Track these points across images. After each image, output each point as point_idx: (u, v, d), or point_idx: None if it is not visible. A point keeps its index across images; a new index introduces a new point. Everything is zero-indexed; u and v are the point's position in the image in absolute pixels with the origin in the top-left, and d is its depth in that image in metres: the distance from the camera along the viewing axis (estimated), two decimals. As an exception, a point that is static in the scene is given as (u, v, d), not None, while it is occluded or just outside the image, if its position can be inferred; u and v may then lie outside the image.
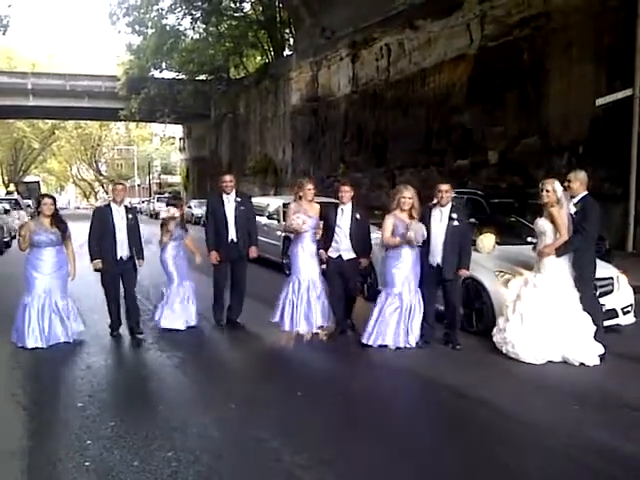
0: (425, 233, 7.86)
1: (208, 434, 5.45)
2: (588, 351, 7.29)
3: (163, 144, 77.12)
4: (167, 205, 9.42)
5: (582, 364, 7.23)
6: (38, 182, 62.07)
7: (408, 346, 8.02)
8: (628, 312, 8.71)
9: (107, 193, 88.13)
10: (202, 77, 44.31)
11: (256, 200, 16.99)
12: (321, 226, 8.77)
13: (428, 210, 8.13)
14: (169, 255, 9.01)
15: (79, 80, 48.85)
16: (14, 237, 19.65)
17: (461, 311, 8.59)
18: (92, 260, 8.48)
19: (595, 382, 6.84)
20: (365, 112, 28.16)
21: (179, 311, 8.97)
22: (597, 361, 7.28)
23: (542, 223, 7.62)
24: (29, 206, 41.34)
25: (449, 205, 8.03)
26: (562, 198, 7.51)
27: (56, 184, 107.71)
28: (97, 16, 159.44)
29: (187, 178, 55.12)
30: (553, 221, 7.46)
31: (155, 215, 43.18)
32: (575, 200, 7.65)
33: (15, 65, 61.17)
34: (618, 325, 8.60)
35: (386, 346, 8.00)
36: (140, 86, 42.95)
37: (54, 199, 8.50)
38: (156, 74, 45.82)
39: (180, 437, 5.35)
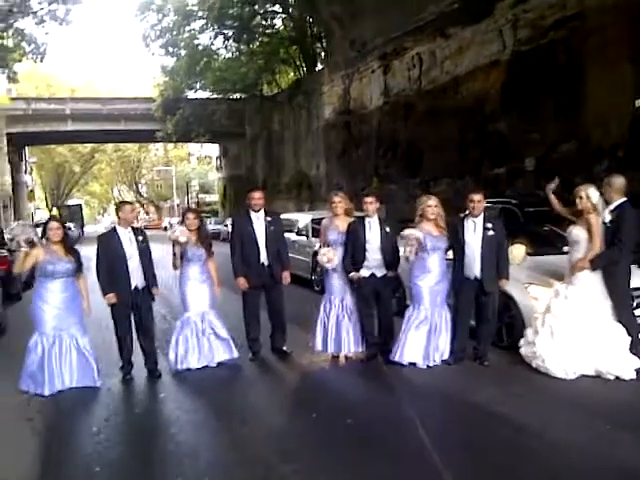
0: (419, 235, 7.53)
1: (216, 460, 5.28)
2: (623, 364, 6.87)
3: (200, 164, 77.60)
4: (182, 217, 8.26)
5: (617, 378, 6.80)
6: (80, 205, 62.85)
7: (436, 363, 7.65)
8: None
9: (147, 214, 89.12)
10: (236, 96, 44.29)
11: (285, 216, 16.71)
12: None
13: (460, 221, 7.72)
14: (187, 279, 7.99)
15: (115, 103, 49.49)
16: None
17: (491, 324, 8.21)
18: (104, 294, 7.55)
19: (630, 398, 6.43)
20: (398, 123, 27.73)
21: (195, 346, 7.90)
22: (633, 375, 6.84)
23: (577, 232, 7.20)
24: (70, 229, 41.90)
25: (482, 215, 7.64)
26: (599, 205, 7.06)
27: (99, 206, 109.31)
28: (132, 39, 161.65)
29: (224, 196, 55.17)
30: (589, 229, 7.00)
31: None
32: (611, 207, 7.17)
33: (54, 92, 62.15)
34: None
35: (415, 364, 7.62)
36: (175, 107, 43.09)
37: (62, 223, 7.65)
38: (190, 94, 45.97)
39: (190, 463, 5.16)
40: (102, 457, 5.41)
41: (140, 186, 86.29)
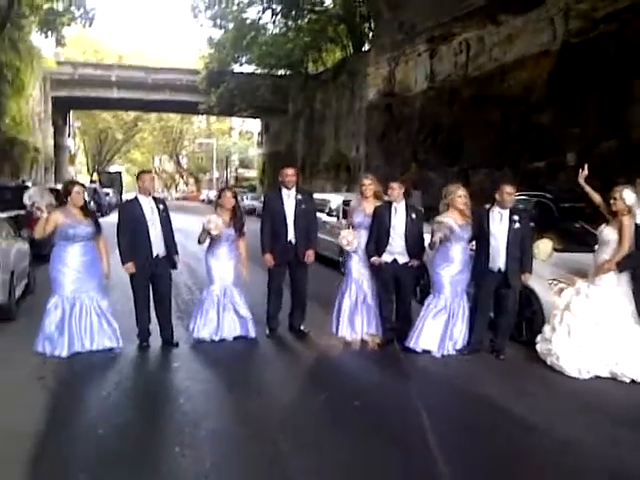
0: (454, 225, 7.42)
1: (219, 431, 5.29)
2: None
3: (241, 138, 77.72)
4: (219, 195, 8.20)
5: (633, 381, 6.65)
6: (120, 173, 63.23)
7: (452, 353, 7.56)
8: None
9: (186, 185, 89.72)
10: (280, 72, 44.17)
11: (318, 196, 16.64)
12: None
13: (486, 212, 7.59)
14: (213, 255, 7.99)
15: (161, 73, 49.88)
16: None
17: (511, 318, 8.09)
18: (124, 263, 7.51)
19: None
20: (441, 109, 27.40)
21: (214, 320, 7.89)
22: (651, 379, 6.64)
23: (607, 232, 7.05)
24: (108, 194, 42.33)
25: (508, 207, 7.52)
26: (634, 207, 6.89)
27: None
28: (181, 9, 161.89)
29: (263, 172, 55.27)
30: (620, 231, 6.83)
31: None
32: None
33: (102, 58, 62.68)
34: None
35: (429, 352, 7.55)
36: (220, 80, 43.15)
37: (85, 187, 7.69)
38: (235, 68, 46.03)
39: (192, 432, 5.22)
40: (107, 420, 5.47)
41: (181, 157, 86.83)
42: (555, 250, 8.39)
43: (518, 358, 7.52)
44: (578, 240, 9.33)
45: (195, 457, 4.70)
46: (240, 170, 74.80)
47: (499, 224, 7.48)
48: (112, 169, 70.67)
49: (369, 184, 8.21)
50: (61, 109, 49.06)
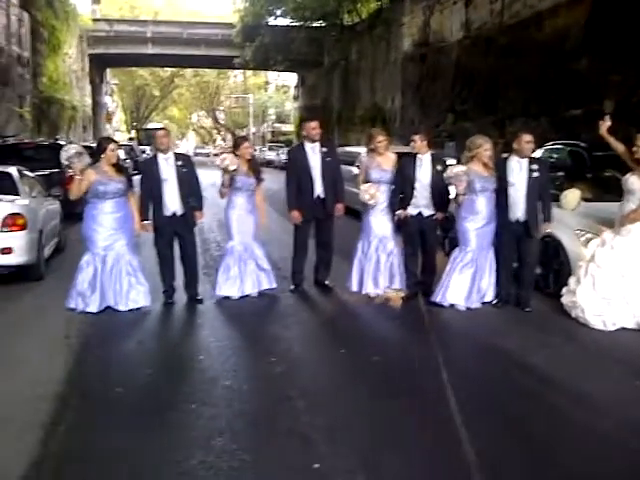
0: (464, 169, 7.35)
1: (236, 388, 5.31)
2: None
3: (277, 92, 77.21)
4: (236, 145, 8.09)
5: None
6: (165, 127, 63.28)
7: (477, 305, 7.50)
8: None
9: (224, 141, 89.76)
10: (315, 24, 43.56)
11: (348, 149, 16.53)
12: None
13: (503, 162, 7.48)
14: (233, 208, 7.92)
15: (196, 28, 49.61)
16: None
17: (538, 270, 8.02)
18: (142, 220, 7.60)
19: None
20: (477, 58, 26.86)
21: (237, 276, 7.86)
22: (677, 330, 6.53)
23: (633, 180, 6.88)
24: (144, 152, 42.64)
25: (527, 156, 7.40)
26: None
27: (177, 131, 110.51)
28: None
29: (300, 126, 54.99)
30: None
31: (266, 164, 43.55)
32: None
33: (138, 14, 62.51)
34: None
35: (454, 305, 7.50)
36: (254, 33, 42.70)
37: (119, 145, 7.67)
38: (270, 21, 45.51)
39: (209, 389, 5.28)
40: (127, 378, 5.59)
41: (218, 113, 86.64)
42: (584, 200, 8.26)
43: (544, 310, 7.43)
44: (608, 189, 9.13)
45: (211, 414, 4.74)
46: (277, 125, 74.53)
47: (518, 173, 7.36)
48: (150, 126, 70.92)
49: (384, 139, 8.11)
50: (98, 67, 49.27)
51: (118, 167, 7.60)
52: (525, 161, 7.38)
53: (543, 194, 7.39)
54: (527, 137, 7.37)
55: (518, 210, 7.34)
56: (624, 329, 6.66)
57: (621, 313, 6.68)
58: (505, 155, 7.57)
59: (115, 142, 7.85)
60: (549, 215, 7.40)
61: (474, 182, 7.38)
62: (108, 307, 7.32)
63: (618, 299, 6.67)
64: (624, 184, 6.97)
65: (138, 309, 7.40)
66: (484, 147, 7.50)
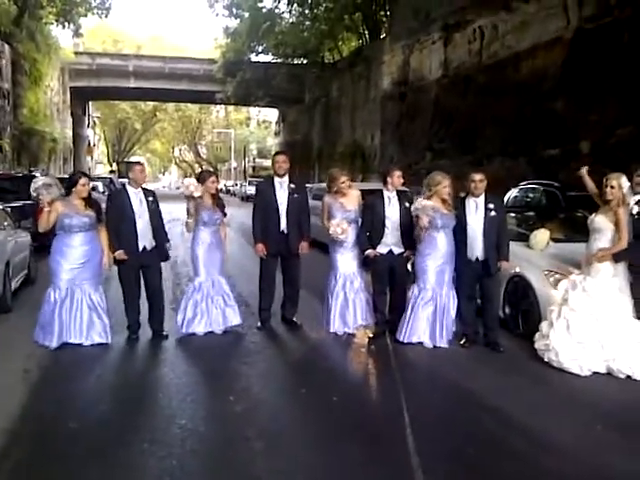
0: (432, 204, 7.28)
1: (191, 427, 5.14)
2: (637, 363, 6.47)
3: (259, 128, 77.57)
4: (199, 179, 7.95)
5: (628, 377, 6.43)
6: (143, 163, 63.21)
7: (445, 345, 7.40)
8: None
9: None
10: (297, 61, 44.00)
11: (322, 185, 16.49)
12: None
13: (461, 201, 7.48)
14: (200, 243, 7.81)
15: (178, 63, 50.00)
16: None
17: (507, 310, 8.01)
18: (113, 251, 7.41)
19: (636, 399, 6.04)
20: (455, 98, 27.11)
21: (204, 312, 7.73)
22: (646, 375, 6.44)
23: (599, 220, 6.82)
24: (123, 185, 42.31)
25: (483, 195, 7.38)
26: (627, 196, 6.71)
27: (160, 165, 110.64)
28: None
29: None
30: (617, 222, 6.63)
31: (246, 198, 43.61)
32: (637, 198, 6.80)
33: (121, 48, 62.94)
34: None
35: (422, 343, 7.41)
36: (236, 69, 43.14)
37: (90, 179, 7.57)
38: (252, 57, 45.97)
39: (164, 427, 5.15)
40: (81, 414, 5.43)
41: (200, 147, 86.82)
42: (553, 240, 8.25)
43: (513, 351, 7.30)
44: (579, 229, 9.12)
45: (162, 454, 4.59)
46: (258, 160, 74.72)
47: (475, 213, 7.36)
48: (132, 159, 70.86)
49: (347, 180, 8.06)
50: (80, 99, 49.42)
51: (88, 201, 7.47)
52: (482, 200, 7.37)
53: (500, 232, 7.37)
54: (477, 176, 7.37)
55: (476, 249, 7.33)
56: (595, 373, 6.55)
57: (593, 357, 6.58)
58: (462, 194, 7.54)
59: (87, 177, 7.72)
60: (506, 253, 7.38)
61: (435, 219, 7.34)
62: (67, 343, 7.16)
63: (592, 343, 6.58)
64: (590, 224, 6.95)
65: (100, 344, 7.24)
66: (442, 184, 7.45)
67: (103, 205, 8.40)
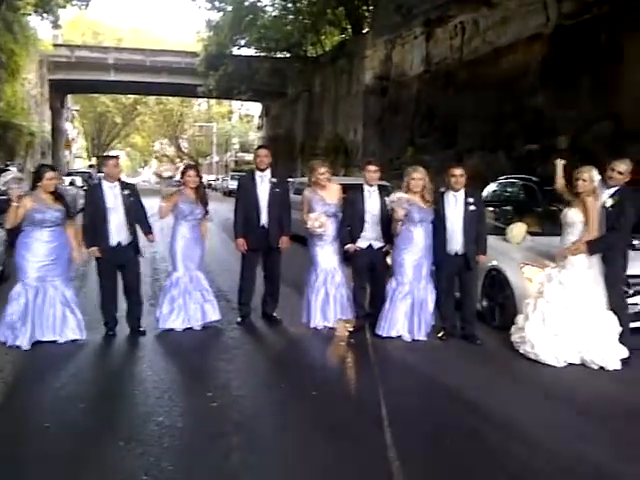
0: (407, 196, 7.29)
1: (168, 423, 5.12)
2: (609, 354, 6.59)
3: (241, 122, 77.32)
4: (183, 174, 7.94)
5: (601, 368, 6.54)
6: (117, 157, 63.00)
7: (423, 338, 7.45)
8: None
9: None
10: (279, 55, 43.87)
11: (303, 180, 16.49)
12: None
13: (440, 196, 7.51)
14: (179, 238, 7.77)
15: (159, 56, 49.55)
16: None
17: (484, 303, 8.09)
18: (88, 247, 7.37)
19: (608, 389, 6.15)
20: (436, 92, 27.19)
21: (181, 307, 7.71)
22: (618, 366, 6.57)
23: (572, 214, 6.90)
24: (100, 180, 42.12)
25: (463, 190, 7.42)
26: (598, 189, 6.77)
27: (140, 159, 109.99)
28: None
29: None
30: (585, 211, 6.71)
31: (229, 193, 43.49)
32: (611, 191, 6.87)
33: (101, 40, 62.47)
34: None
35: (401, 337, 7.46)
36: (218, 62, 42.81)
37: (57, 172, 7.42)
38: (234, 51, 45.70)
39: (140, 425, 5.12)
40: (56, 413, 5.40)
41: (181, 141, 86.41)
42: (530, 233, 8.32)
43: (489, 344, 7.39)
44: (555, 223, 9.21)
45: (139, 451, 4.58)
46: (240, 154, 74.39)
47: (454, 207, 7.42)
48: (111, 153, 70.42)
49: (325, 172, 8.03)
50: (59, 92, 48.90)
51: (57, 195, 7.34)
52: (461, 195, 7.43)
53: (479, 227, 7.45)
54: (457, 170, 7.43)
55: (456, 243, 7.39)
56: (570, 365, 6.63)
57: (568, 348, 6.67)
58: (442, 189, 7.57)
59: (54, 170, 7.55)
60: (484, 247, 7.46)
61: (412, 212, 7.38)
62: (40, 341, 7.06)
63: (567, 335, 6.66)
64: (563, 218, 7.02)
65: (75, 341, 7.17)
66: (411, 176, 7.52)
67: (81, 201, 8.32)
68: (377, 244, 7.79)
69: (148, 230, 7.79)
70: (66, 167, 49.11)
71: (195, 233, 7.89)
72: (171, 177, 7.64)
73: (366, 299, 8.03)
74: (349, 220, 7.83)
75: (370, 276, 7.96)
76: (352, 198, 7.86)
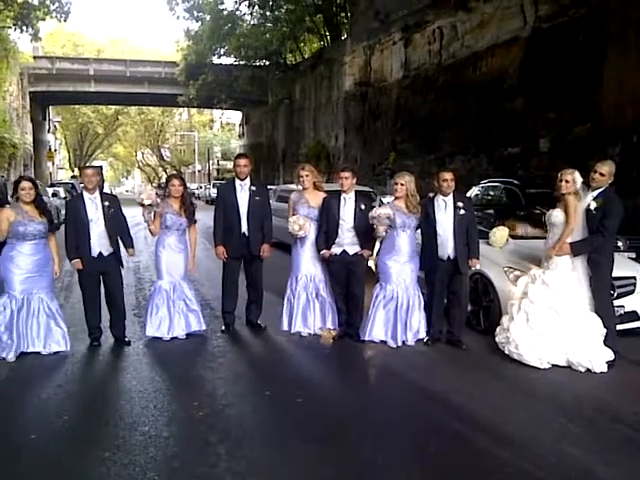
0: (389, 212, 7.31)
1: (154, 433, 5.12)
2: (595, 357, 6.62)
3: (223, 130, 77.25)
4: (167, 183, 8.01)
5: (588, 370, 6.56)
6: (101, 167, 62.90)
7: (408, 343, 7.47)
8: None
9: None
10: (259, 63, 43.92)
11: (284, 187, 16.58)
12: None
13: (430, 201, 7.52)
14: (163, 247, 7.77)
15: (139, 66, 49.65)
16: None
17: (468, 307, 8.05)
18: (70, 259, 7.37)
19: (594, 392, 6.15)
20: (416, 98, 27.34)
21: (165, 316, 7.70)
22: (604, 368, 6.60)
23: (556, 214, 6.98)
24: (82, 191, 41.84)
25: (452, 194, 7.45)
26: (580, 190, 6.85)
27: (122, 169, 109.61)
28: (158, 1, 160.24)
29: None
30: (566, 208, 6.78)
31: (211, 201, 43.35)
32: (595, 193, 6.93)
33: (81, 52, 62.29)
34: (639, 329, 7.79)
35: (385, 342, 7.49)
36: (198, 72, 42.92)
37: (34, 183, 7.29)
38: (214, 60, 45.75)
39: (126, 435, 5.09)
40: (41, 425, 5.36)
41: (163, 150, 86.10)
42: (512, 237, 8.38)
43: (474, 348, 7.43)
44: (538, 226, 9.28)
45: (125, 462, 4.56)
46: (222, 162, 74.27)
47: (444, 212, 7.43)
48: (94, 164, 70.19)
49: (306, 175, 8.05)
50: (40, 104, 48.82)
51: (41, 208, 7.27)
52: (450, 199, 7.44)
53: (470, 230, 7.45)
54: (447, 175, 7.45)
55: (447, 248, 7.39)
56: (555, 366, 6.67)
57: (553, 350, 6.70)
58: (431, 194, 7.61)
59: (31, 181, 7.40)
60: (476, 251, 7.45)
61: (395, 218, 7.40)
62: (25, 353, 7.03)
63: (551, 335, 6.70)
64: (548, 218, 7.09)
65: (59, 352, 7.14)
66: (394, 181, 7.66)
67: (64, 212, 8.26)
68: (351, 250, 7.77)
69: (129, 244, 7.74)
70: (49, 179, 48.80)
71: (181, 243, 7.88)
72: (151, 205, 7.57)
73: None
74: (325, 226, 7.84)
75: (346, 282, 7.92)
76: (328, 204, 7.85)
